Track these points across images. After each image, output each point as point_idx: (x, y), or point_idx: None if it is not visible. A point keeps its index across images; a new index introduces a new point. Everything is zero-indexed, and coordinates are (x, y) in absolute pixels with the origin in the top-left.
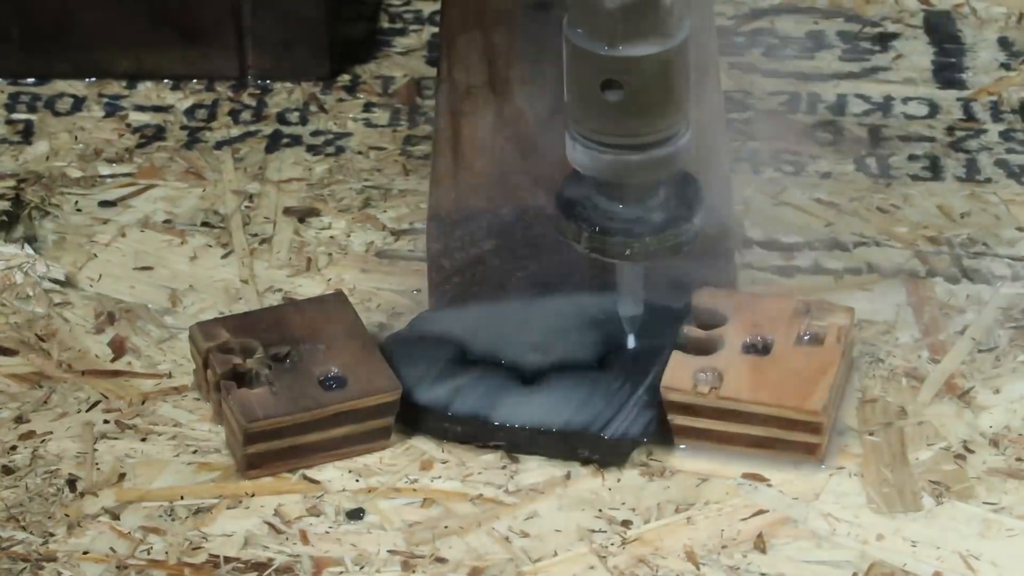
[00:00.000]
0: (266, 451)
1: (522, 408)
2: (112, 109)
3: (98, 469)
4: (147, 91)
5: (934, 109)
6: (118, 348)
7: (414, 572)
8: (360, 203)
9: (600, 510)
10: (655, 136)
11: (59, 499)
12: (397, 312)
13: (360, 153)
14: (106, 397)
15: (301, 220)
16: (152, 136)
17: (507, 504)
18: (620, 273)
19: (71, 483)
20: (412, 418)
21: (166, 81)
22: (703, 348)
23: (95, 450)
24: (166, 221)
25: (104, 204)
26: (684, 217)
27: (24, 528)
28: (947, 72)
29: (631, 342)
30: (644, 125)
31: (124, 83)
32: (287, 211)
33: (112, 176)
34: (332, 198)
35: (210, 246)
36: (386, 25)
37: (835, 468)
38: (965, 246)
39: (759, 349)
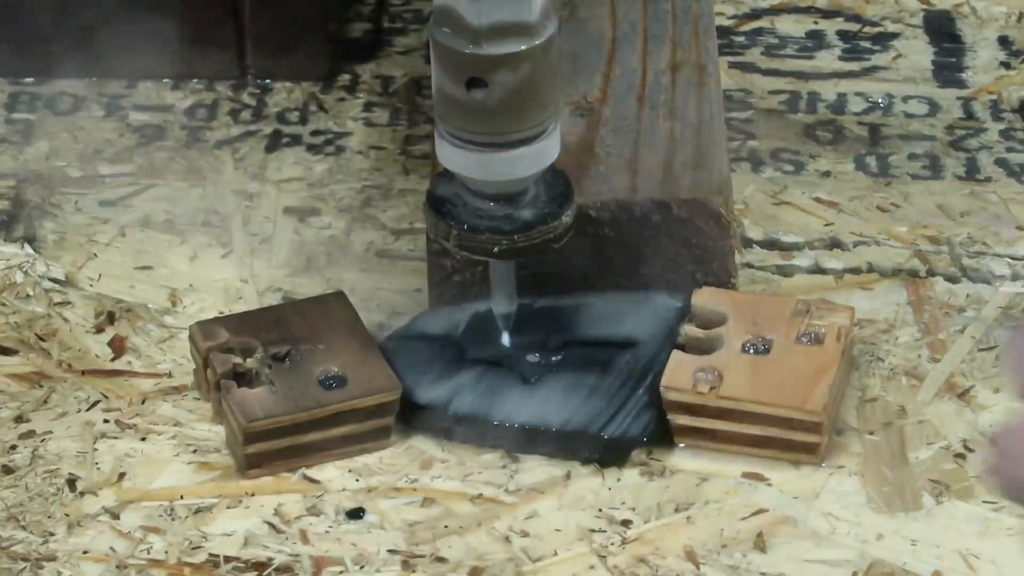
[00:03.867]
0: (266, 451)
1: (522, 408)
2: (112, 109)
3: (98, 469)
4: (147, 91)
5: (934, 108)
6: (118, 348)
7: (414, 572)
8: (360, 203)
9: (600, 510)
10: (522, 133)
11: (59, 499)
12: (397, 312)
13: (360, 153)
14: (106, 397)
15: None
16: (152, 136)
17: (507, 504)
18: (492, 271)
19: (71, 483)
20: (412, 418)
21: (166, 81)
22: (703, 348)
23: (95, 450)
24: (166, 220)
25: (104, 204)
26: (554, 214)
27: (24, 528)
28: (947, 71)
29: (506, 339)
30: (510, 122)
31: (124, 83)
32: (287, 210)
33: (112, 176)
34: (332, 198)
35: (210, 246)
36: (386, 25)
37: (835, 467)
38: (965, 245)
39: (759, 349)
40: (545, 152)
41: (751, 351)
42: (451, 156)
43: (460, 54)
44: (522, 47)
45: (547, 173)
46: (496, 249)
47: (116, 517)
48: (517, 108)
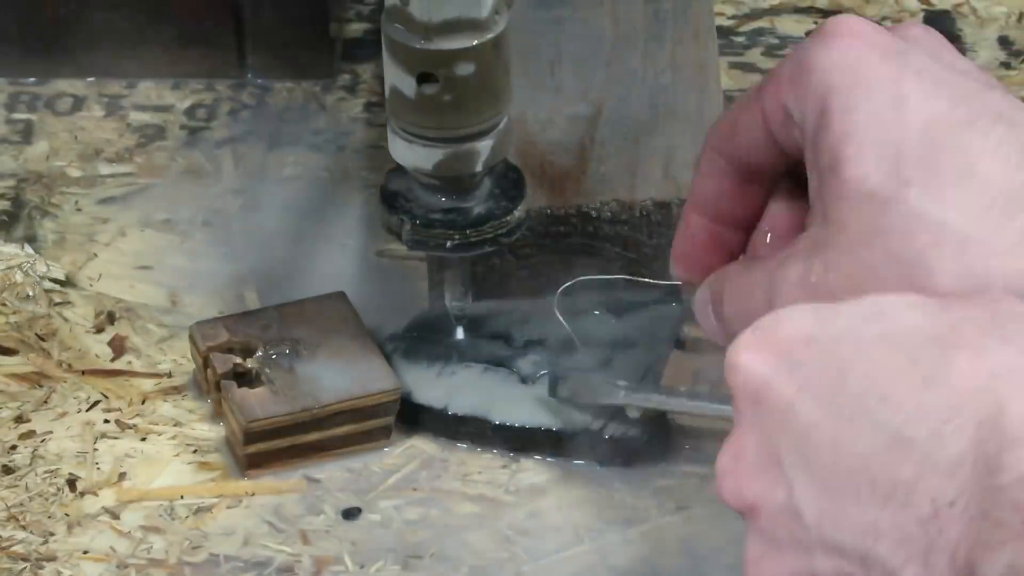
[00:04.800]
0: (266, 450)
1: (522, 408)
2: (112, 109)
3: (98, 469)
4: (147, 91)
5: None
6: (118, 347)
7: (414, 572)
8: (360, 202)
9: (600, 510)
10: (473, 128)
11: (59, 499)
12: (397, 312)
13: (360, 152)
14: (106, 397)
15: None
16: (152, 136)
17: (507, 504)
18: (445, 265)
19: (71, 483)
20: (412, 418)
21: (166, 81)
22: (703, 348)
23: (95, 450)
24: (166, 220)
25: (104, 203)
26: (507, 208)
27: (24, 528)
28: None
29: (459, 334)
30: (462, 118)
31: (124, 83)
32: (287, 210)
33: (112, 175)
34: (332, 197)
35: (210, 246)
36: None
37: None
38: None
39: None
40: (497, 147)
41: None
42: (402, 151)
43: (411, 49)
44: (474, 42)
45: (501, 167)
46: (449, 244)
47: (116, 517)
48: (469, 103)
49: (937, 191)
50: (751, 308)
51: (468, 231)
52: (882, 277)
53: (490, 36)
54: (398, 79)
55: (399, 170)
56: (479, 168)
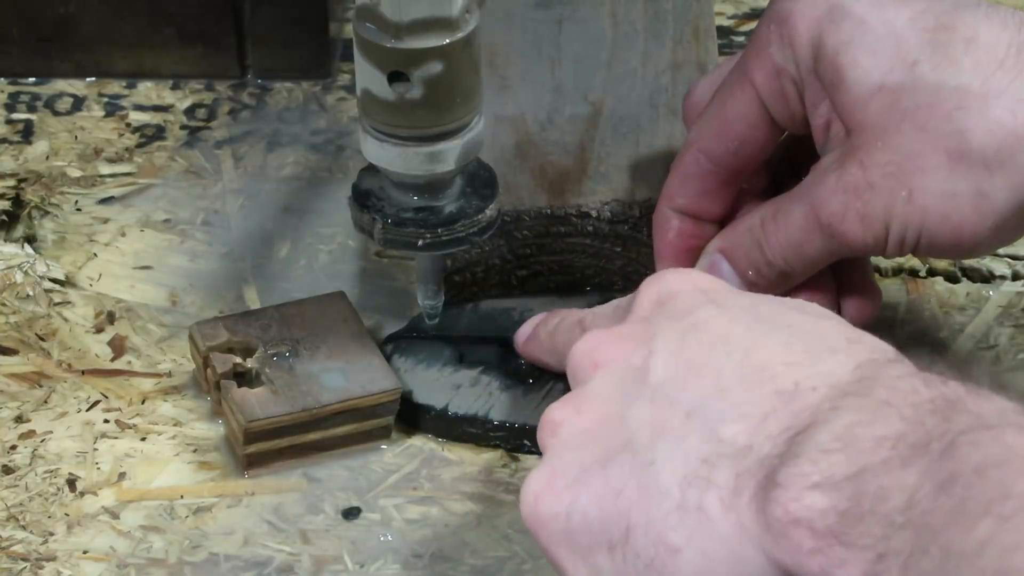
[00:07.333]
0: (266, 450)
1: (522, 407)
2: (112, 109)
3: (98, 468)
4: (147, 91)
5: None
6: (118, 347)
7: (414, 571)
8: None
9: None
10: (445, 128)
11: (59, 499)
12: (397, 312)
13: (360, 152)
14: (106, 397)
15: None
16: (152, 136)
17: (507, 503)
18: (418, 263)
19: (71, 483)
20: (412, 417)
21: (166, 81)
22: None
23: (95, 449)
24: (166, 220)
25: (104, 203)
26: (479, 207)
27: (24, 527)
28: None
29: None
30: (433, 117)
31: (124, 83)
32: (287, 210)
33: (112, 175)
34: (332, 197)
35: (210, 246)
36: None
37: None
38: None
39: None
40: (469, 146)
41: None
42: (374, 151)
43: (382, 48)
44: (445, 41)
45: (473, 166)
46: (420, 243)
47: (116, 517)
48: (439, 102)
49: (947, 61)
50: (798, 238)
51: (440, 230)
52: (918, 154)
53: (460, 35)
54: (369, 78)
55: (371, 169)
56: (451, 167)
